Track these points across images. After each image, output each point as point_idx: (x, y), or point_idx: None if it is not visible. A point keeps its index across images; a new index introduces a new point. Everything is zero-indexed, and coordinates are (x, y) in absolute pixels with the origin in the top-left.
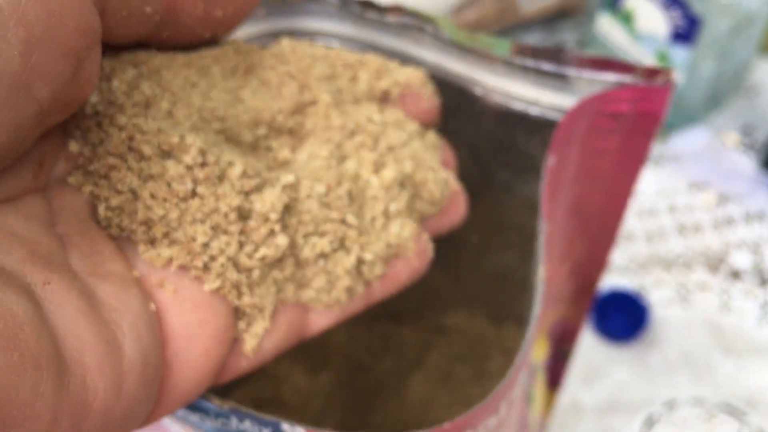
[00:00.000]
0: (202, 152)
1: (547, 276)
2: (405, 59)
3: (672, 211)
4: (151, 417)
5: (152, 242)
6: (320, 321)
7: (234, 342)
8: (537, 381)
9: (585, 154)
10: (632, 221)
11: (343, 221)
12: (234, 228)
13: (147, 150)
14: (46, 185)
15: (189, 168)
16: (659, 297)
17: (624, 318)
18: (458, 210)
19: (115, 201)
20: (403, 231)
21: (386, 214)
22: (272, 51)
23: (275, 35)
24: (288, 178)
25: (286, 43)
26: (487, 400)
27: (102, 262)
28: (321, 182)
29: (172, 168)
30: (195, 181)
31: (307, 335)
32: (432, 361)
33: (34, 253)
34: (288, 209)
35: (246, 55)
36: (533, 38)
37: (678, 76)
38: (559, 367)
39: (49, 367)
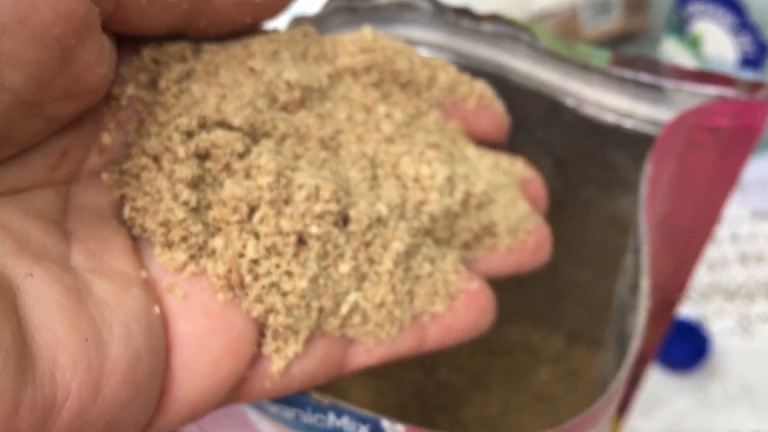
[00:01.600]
0: (277, 174)
1: None
2: (497, 67)
3: (734, 240)
4: (150, 426)
5: (169, 246)
6: (363, 357)
7: (258, 360)
8: None
9: (680, 167)
10: None
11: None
12: (289, 251)
13: (181, 152)
14: (71, 177)
15: (259, 188)
16: (721, 327)
17: (685, 347)
18: (541, 249)
19: (141, 202)
20: (449, 268)
21: (431, 258)
22: (352, 38)
23: None
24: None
25: (368, 32)
26: (591, 411)
27: (108, 259)
28: (381, 204)
29: (236, 186)
30: (259, 200)
31: (346, 370)
32: (496, 378)
33: (22, 246)
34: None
35: (317, 42)
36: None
37: None
38: (629, 390)
39: (8, 357)
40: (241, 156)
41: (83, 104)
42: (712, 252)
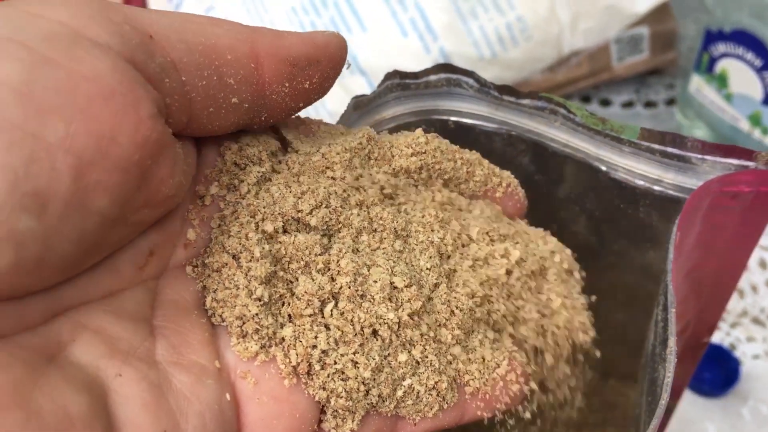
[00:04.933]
0: (355, 275)
1: None
2: (536, 135)
3: (763, 266)
4: None
5: (243, 336)
6: (409, 429)
7: None
8: None
9: (704, 228)
10: None
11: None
12: (357, 341)
13: (257, 252)
14: (159, 273)
15: (334, 285)
16: (750, 351)
17: (716, 374)
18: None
19: (221, 295)
20: (497, 355)
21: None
22: (407, 140)
23: (419, 114)
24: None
25: (420, 134)
26: None
27: (187, 352)
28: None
29: (309, 283)
30: (331, 294)
31: None
32: (532, 407)
33: (113, 348)
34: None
35: (377, 144)
36: (624, 97)
37: None
38: (661, 422)
39: None
40: (320, 254)
41: (163, 209)
42: (742, 278)
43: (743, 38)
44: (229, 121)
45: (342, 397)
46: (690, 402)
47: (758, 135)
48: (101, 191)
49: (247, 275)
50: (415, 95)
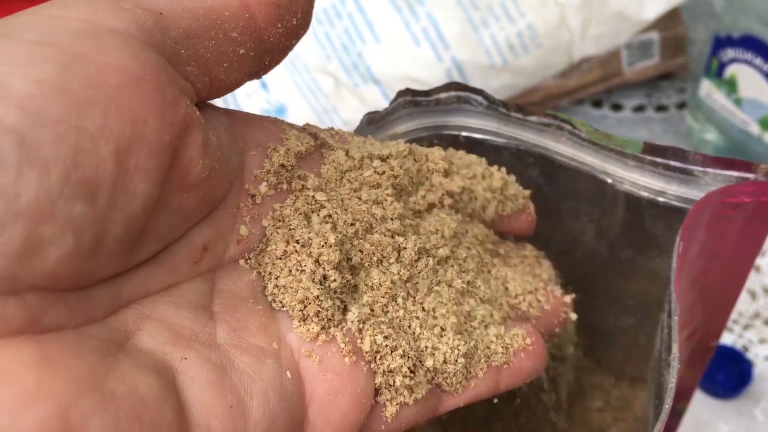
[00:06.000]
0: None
1: None
2: (543, 149)
3: None
4: None
5: (305, 319)
6: (452, 401)
7: (375, 407)
8: None
9: (708, 237)
10: None
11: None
12: (436, 330)
13: (331, 239)
14: (215, 266)
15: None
16: (763, 352)
17: (729, 376)
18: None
19: (283, 280)
20: (510, 339)
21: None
22: (446, 154)
23: (430, 129)
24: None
25: (452, 151)
26: None
27: (246, 336)
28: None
29: (383, 275)
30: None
31: (439, 412)
32: (544, 412)
33: (177, 334)
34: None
35: (420, 158)
36: (635, 101)
37: None
38: (672, 424)
39: (170, 431)
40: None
41: (201, 194)
42: (754, 281)
43: (752, 44)
44: (242, 72)
45: (408, 376)
46: (703, 403)
47: None
48: (140, 174)
49: (318, 260)
50: (427, 111)
